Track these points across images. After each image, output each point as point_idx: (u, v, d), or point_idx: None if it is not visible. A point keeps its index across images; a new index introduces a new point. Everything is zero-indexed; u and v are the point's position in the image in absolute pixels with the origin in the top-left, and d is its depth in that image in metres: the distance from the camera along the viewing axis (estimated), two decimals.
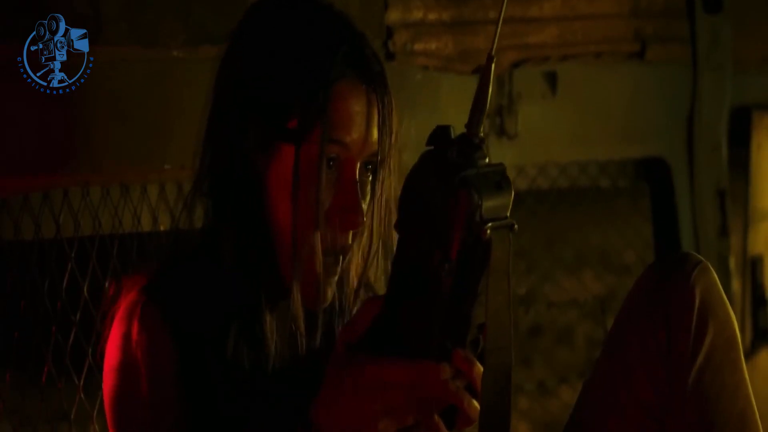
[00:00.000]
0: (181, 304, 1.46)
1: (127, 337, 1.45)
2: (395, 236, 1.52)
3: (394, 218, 1.50)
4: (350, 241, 1.47)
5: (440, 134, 1.22)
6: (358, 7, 2.26)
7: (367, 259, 1.50)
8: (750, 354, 3.06)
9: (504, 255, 1.20)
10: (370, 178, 1.48)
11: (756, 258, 3.16)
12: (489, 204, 1.19)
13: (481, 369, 1.23)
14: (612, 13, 2.72)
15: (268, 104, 1.45)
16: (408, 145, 2.34)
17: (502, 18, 1.27)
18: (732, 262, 2.96)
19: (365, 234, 1.49)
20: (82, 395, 1.98)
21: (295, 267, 1.45)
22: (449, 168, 1.20)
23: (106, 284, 1.55)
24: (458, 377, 1.23)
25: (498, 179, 1.21)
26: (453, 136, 1.22)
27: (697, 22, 2.85)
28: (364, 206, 1.47)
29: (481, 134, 1.22)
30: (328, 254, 1.46)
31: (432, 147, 1.23)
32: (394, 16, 2.36)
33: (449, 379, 1.22)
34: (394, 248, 1.50)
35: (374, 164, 1.48)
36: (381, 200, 1.49)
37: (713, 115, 2.88)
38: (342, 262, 1.48)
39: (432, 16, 2.43)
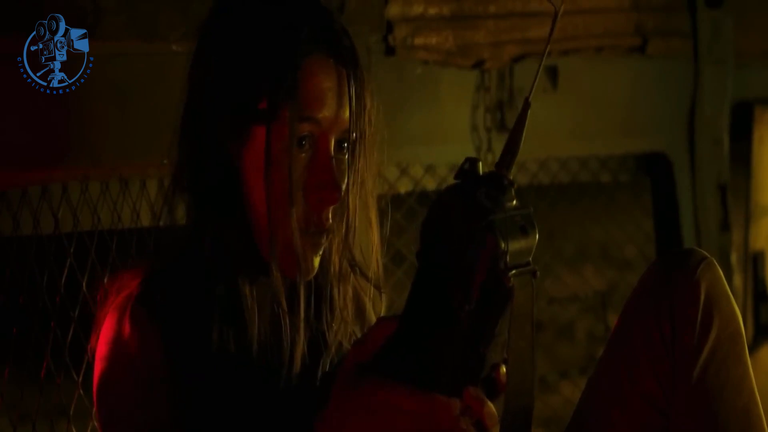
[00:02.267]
0: (168, 304, 1.46)
1: (118, 332, 1.46)
2: (373, 216, 1.53)
3: (372, 200, 1.51)
4: (330, 219, 1.47)
5: (468, 169, 1.21)
6: (358, 2, 2.25)
7: (346, 237, 1.49)
8: (751, 349, 3.04)
9: (527, 301, 1.19)
10: (347, 156, 1.48)
11: (757, 253, 3.16)
12: (514, 249, 1.18)
13: (492, 408, 1.23)
14: (613, 8, 2.71)
15: (238, 88, 1.45)
16: (406, 139, 2.35)
17: (543, 64, 1.26)
18: (733, 257, 2.96)
19: (345, 213, 1.48)
20: (81, 391, 1.97)
21: (272, 247, 1.44)
22: (477, 210, 1.18)
23: (105, 280, 1.55)
24: (468, 413, 1.22)
25: (523, 223, 1.20)
26: (481, 171, 1.21)
27: (699, 16, 2.84)
28: (342, 185, 1.46)
29: (510, 177, 1.21)
30: (309, 231, 1.46)
31: (459, 180, 1.21)
32: (394, 10, 2.36)
33: (459, 415, 1.22)
34: (373, 231, 1.52)
35: (350, 141, 1.47)
36: (358, 177, 1.48)
37: (714, 110, 2.88)
38: (326, 236, 1.48)
39: (432, 11, 2.42)
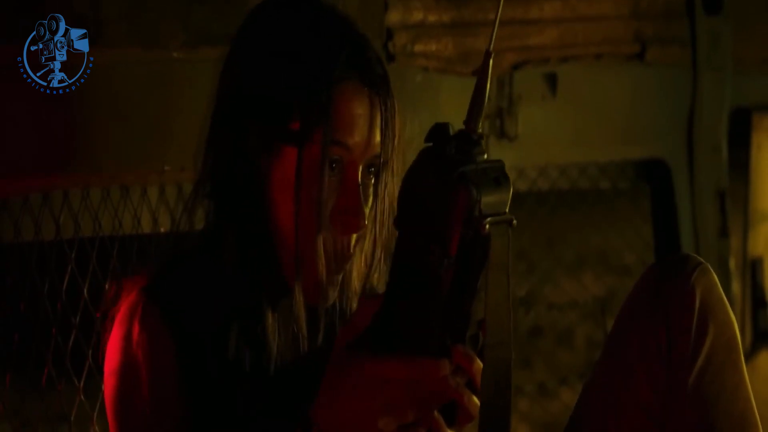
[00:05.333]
0: (181, 305, 1.46)
1: (127, 338, 1.45)
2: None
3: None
4: (353, 244, 1.47)
5: (438, 131, 1.22)
6: (357, 9, 2.26)
7: (370, 263, 1.50)
8: (750, 355, 3.06)
9: (503, 250, 1.20)
10: (373, 181, 1.48)
11: (756, 259, 3.16)
12: (488, 199, 1.19)
13: (482, 365, 1.23)
14: (612, 15, 2.72)
15: (271, 105, 1.45)
16: (409, 147, 2.36)
17: (499, 15, 1.27)
18: (732, 264, 2.96)
19: (368, 237, 1.48)
20: (82, 397, 1.97)
21: (297, 268, 1.44)
22: (448, 164, 1.20)
23: (106, 285, 1.55)
24: (458, 373, 1.23)
25: (496, 175, 1.21)
26: (451, 132, 1.22)
27: (697, 24, 2.85)
28: (366, 209, 1.46)
29: (480, 130, 1.22)
30: (330, 256, 1.46)
31: (430, 144, 1.23)
32: (394, 17, 2.36)
33: (449, 375, 1.22)
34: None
35: (377, 167, 1.47)
36: (383, 203, 1.48)
37: (713, 117, 2.88)
38: (346, 263, 1.48)
39: (432, 18, 2.43)
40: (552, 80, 2.62)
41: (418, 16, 2.40)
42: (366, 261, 1.50)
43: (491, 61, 1.24)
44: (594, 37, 2.68)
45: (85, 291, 1.97)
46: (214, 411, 1.45)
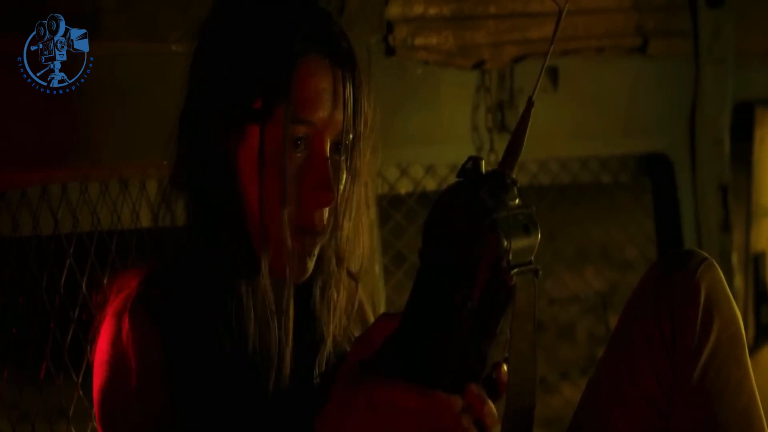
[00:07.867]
0: (167, 304, 1.46)
1: (117, 334, 1.46)
2: (371, 216, 1.53)
3: (370, 200, 1.51)
4: (324, 220, 1.47)
5: (471, 168, 1.21)
6: (358, 2, 2.25)
7: (335, 235, 1.49)
8: (752, 350, 3.06)
9: (528, 300, 1.20)
10: (344, 158, 1.48)
11: (758, 254, 3.16)
12: (516, 248, 1.18)
13: (492, 407, 1.24)
14: (614, 8, 2.71)
15: (233, 87, 1.45)
16: (406, 140, 2.35)
17: (544, 69, 1.26)
18: (734, 258, 2.95)
19: (336, 213, 1.48)
20: (81, 392, 1.97)
21: (263, 245, 1.45)
22: (479, 208, 1.19)
23: (103, 280, 1.54)
24: (468, 411, 1.23)
25: (526, 222, 1.20)
26: (483, 169, 1.21)
27: (700, 16, 2.84)
28: (340, 186, 1.46)
29: (513, 176, 1.21)
30: (303, 232, 1.45)
31: (461, 179, 1.21)
32: (394, 10, 2.36)
33: (460, 413, 1.22)
34: (365, 232, 1.52)
35: (345, 144, 1.47)
36: (355, 180, 1.48)
37: (715, 110, 2.88)
38: (319, 239, 1.48)
39: (432, 11, 2.42)
40: (553, 73, 2.61)
41: (418, 9, 2.40)
42: (338, 238, 1.50)
43: (532, 110, 1.23)
44: (595, 30, 2.67)
45: (84, 285, 1.96)
46: (203, 409, 1.44)
